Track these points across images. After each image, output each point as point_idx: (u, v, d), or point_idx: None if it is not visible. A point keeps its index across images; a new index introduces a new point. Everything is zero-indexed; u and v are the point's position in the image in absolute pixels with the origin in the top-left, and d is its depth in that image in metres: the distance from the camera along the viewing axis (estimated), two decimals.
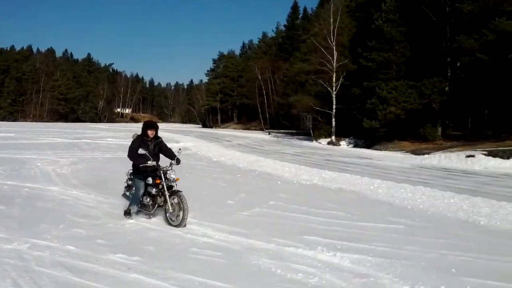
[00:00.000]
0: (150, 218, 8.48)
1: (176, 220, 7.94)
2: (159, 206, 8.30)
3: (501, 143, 26.65)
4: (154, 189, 8.22)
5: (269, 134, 57.71)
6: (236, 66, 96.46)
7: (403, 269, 5.97)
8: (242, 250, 6.68)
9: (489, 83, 30.89)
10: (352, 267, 6.04)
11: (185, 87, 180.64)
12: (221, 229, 7.85)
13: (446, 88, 32.61)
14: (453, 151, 25.73)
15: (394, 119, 33.51)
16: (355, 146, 38.09)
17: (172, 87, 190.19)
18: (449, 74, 33.21)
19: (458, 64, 33.01)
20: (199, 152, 25.99)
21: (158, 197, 8.25)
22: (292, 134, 55.80)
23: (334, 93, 41.05)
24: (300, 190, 12.83)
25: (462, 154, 23.81)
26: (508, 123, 30.46)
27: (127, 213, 8.46)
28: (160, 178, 8.12)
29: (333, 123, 40.87)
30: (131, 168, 8.58)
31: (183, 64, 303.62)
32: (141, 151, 8.15)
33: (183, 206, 7.81)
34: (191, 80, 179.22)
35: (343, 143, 39.57)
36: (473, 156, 23.19)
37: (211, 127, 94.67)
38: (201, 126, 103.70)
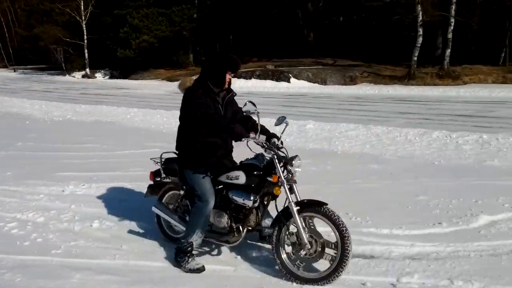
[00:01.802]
0: (231, 251, 4.23)
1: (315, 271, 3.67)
2: (250, 230, 3.91)
3: (244, 65, 29.30)
4: (250, 198, 3.71)
5: (14, 71, 51.60)
6: None
7: None
8: None
9: (231, 8, 33.05)
10: (108, 194, 6.09)
11: None
12: None
13: (195, 15, 33.77)
14: None
15: (148, 47, 33.52)
16: (112, 77, 37.16)
17: None
18: (196, 1, 34.32)
19: None
20: None
21: (252, 214, 3.87)
22: (43, 70, 51.00)
23: (84, 22, 38.50)
24: (53, 127, 12.07)
25: None
26: (250, 47, 33.57)
27: (186, 251, 3.91)
28: (275, 170, 3.66)
29: (86, 54, 38.66)
30: (174, 153, 4.23)
31: None
32: None
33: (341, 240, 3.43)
34: None
35: (98, 75, 38.11)
36: None
37: None
38: None
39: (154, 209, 4.36)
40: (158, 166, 4.41)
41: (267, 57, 33.45)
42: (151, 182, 4.50)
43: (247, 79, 25.93)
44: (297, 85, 26.08)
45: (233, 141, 3.96)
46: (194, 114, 3.64)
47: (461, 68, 26.82)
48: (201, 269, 3.83)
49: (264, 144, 3.66)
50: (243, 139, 3.54)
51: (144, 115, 13.42)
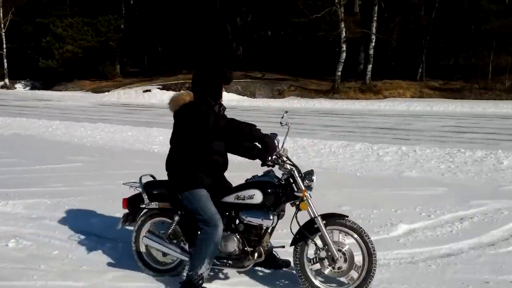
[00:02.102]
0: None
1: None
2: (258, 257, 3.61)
3: (173, 77, 29.10)
4: (270, 217, 3.46)
5: None
6: None
7: (78, 203, 6.04)
8: None
9: (160, 20, 32.74)
10: (26, 212, 5.77)
11: None
12: None
13: (122, 26, 33.11)
14: (132, 87, 26.83)
15: (73, 57, 32.46)
16: (33, 88, 35.52)
17: None
18: (123, 11, 33.68)
19: (132, 2, 33.76)
20: None
21: (267, 234, 3.66)
22: None
23: (3, 30, 36.56)
24: None
25: (140, 90, 25.10)
26: (179, 59, 33.31)
27: (197, 285, 3.52)
28: (296, 185, 3.49)
29: (5, 64, 36.68)
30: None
31: None
32: None
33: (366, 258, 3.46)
34: None
35: (18, 85, 36.35)
36: (149, 90, 24.69)
37: None
38: None
39: (146, 240, 3.83)
40: (132, 192, 3.98)
41: None
42: (125, 210, 3.98)
43: (176, 91, 25.64)
44: (226, 97, 26.02)
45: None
46: (214, 127, 3.26)
47: (382, 83, 28.17)
48: None
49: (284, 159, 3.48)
50: (274, 153, 3.34)
51: (66, 128, 12.92)
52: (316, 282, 3.44)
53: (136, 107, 20.22)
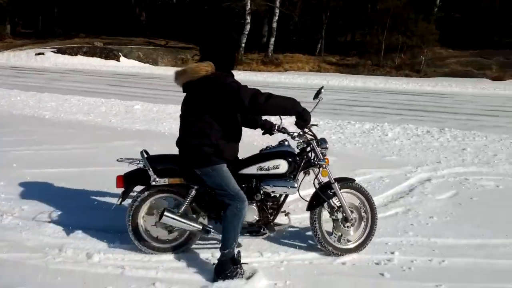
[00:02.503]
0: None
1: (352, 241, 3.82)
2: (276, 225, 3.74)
3: (70, 40, 27.46)
4: (294, 185, 3.54)
5: None
6: None
7: None
8: None
9: None
10: None
11: None
12: None
13: None
14: (23, 49, 24.96)
15: None
16: None
17: None
18: None
19: None
20: None
21: (284, 203, 3.75)
22: None
23: None
24: None
25: (32, 52, 23.45)
26: (76, 22, 31.44)
27: (237, 260, 3.38)
28: (317, 154, 3.61)
29: None
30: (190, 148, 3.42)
31: None
32: None
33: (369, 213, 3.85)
34: None
35: None
36: (43, 53, 23.15)
37: None
38: None
39: (167, 219, 3.47)
40: (132, 167, 3.65)
41: (96, 33, 31.74)
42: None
43: (72, 55, 24.34)
44: (127, 64, 25.37)
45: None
46: (252, 104, 3.05)
47: (283, 56, 28.83)
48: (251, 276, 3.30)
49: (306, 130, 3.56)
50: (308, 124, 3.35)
51: None
52: (331, 241, 3.68)
53: (27, 70, 18.85)
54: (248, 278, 3.24)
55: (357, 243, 3.74)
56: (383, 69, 26.38)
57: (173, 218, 3.46)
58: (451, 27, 29.86)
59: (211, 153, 3.27)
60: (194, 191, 3.52)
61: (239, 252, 3.39)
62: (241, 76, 22.54)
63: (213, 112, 3.23)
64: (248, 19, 27.89)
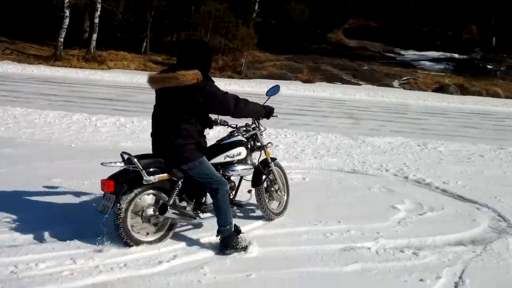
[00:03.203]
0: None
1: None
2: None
3: None
4: (252, 166, 4.44)
5: None
6: None
7: None
8: None
9: None
10: None
11: None
12: None
13: None
14: None
15: None
16: None
17: None
18: None
19: None
20: None
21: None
22: None
23: None
24: None
25: None
26: None
27: (238, 230, 3.92)
28: (260, 140, 4.61)
29: None
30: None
31: None
32: None
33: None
34: None
35: None
36: None
37: None
38: None
39: (171, 214, 3.75)
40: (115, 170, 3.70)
41: None
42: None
43: None
44: None
45: None
46: (237, 110, 3.77)
47: (107, 53, 27.87)
48: (248, 245, 3.84)
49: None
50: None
51: None
52: (271, 208, 4.59)
53: None
54: (246, 247, 3.79)
55: (284, 206, 4.75)
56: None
57: (175, 212, 3.78)
58: (268, 32, 32.10)
59: (195, 149, 3.75)
60: (180, 184, 3.80)
61: (235, 225, 3.91)
62: (60, 73, 21.22)
63: (198, 115, 3.73)
64: (67, 12, 26.23)
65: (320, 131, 10.19)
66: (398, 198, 5.60)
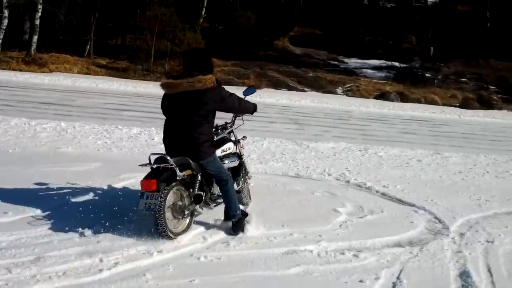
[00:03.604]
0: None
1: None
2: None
3: None
4: (238, 159, 5.28)
5: None
6: None
7: None
8: None
9: None
10: None
11: None
12: None
13: None
14: None
15: None
16: None
17: None
18: None
19: None
20: None
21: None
22: None
23: None
24: None
25: None
26: None
27: (246, 213, 4.81)
28: (235, 136, 5.40)
29: None
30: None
31: None
32: None
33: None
34: None
35: None
36: None
37: None
38: None
39: (202, 203, 4.50)
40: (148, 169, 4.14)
41: None
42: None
43: None
44: None
45: None
46: (242, 107, 4.67)
47: (49, 56, 26.97)
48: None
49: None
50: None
51: None
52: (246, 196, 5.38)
53: None
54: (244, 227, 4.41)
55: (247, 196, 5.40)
56: (154, 74, 26.82)
57: (204, 201, 4.45)
58: (216, 38, 32.11)
59: (211, 145, 4.38)
60: (199, 177, 4.35)
61: (241, 209, 4.63)
62: None
63: (213, 114, 4.34)
64: (6, 13, 25.19)
65: (265, 137, 10.31)
66: (339, 201, 5.76)
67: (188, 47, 27.53)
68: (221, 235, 4.36)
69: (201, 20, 31.78)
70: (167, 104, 4.36)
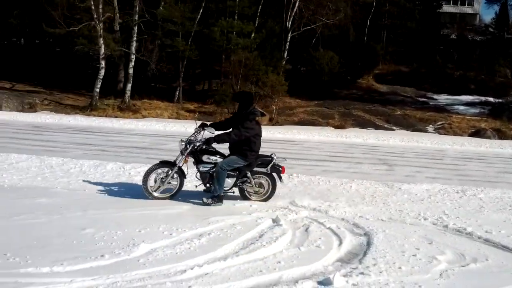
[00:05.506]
0: None
1: None
2: None
3: None
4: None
5: None
6: None
7: None
8: None
9: None
10: None
11: None
12: None
13: None
14: None
15: None
16: None
17: None
18: None
19: None
20: None
21: None
22: None
23: None
24: None
25: None
26: None
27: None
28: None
29: None
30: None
31: None
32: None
33: None
34: None
35: None
36: None
37: None
38: None
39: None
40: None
41: None
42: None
43: None
44: None
45: None
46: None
47: (141, 102, 28.55)
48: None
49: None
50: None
51: None
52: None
53: None
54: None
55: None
56: None
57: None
58: (298, 79, 32.42)
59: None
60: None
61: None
62: (95, 122, 21.75)
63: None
64: (103, 63, 27.23)
65: (354, 178, 9.99)
66: (438, 248, 5.35)
67: (272, 89, 28.06)
68: None
69: (284, 62, 32.32)
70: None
